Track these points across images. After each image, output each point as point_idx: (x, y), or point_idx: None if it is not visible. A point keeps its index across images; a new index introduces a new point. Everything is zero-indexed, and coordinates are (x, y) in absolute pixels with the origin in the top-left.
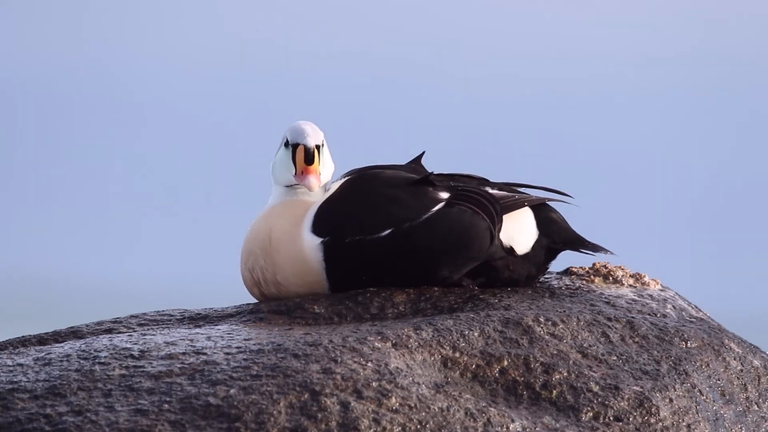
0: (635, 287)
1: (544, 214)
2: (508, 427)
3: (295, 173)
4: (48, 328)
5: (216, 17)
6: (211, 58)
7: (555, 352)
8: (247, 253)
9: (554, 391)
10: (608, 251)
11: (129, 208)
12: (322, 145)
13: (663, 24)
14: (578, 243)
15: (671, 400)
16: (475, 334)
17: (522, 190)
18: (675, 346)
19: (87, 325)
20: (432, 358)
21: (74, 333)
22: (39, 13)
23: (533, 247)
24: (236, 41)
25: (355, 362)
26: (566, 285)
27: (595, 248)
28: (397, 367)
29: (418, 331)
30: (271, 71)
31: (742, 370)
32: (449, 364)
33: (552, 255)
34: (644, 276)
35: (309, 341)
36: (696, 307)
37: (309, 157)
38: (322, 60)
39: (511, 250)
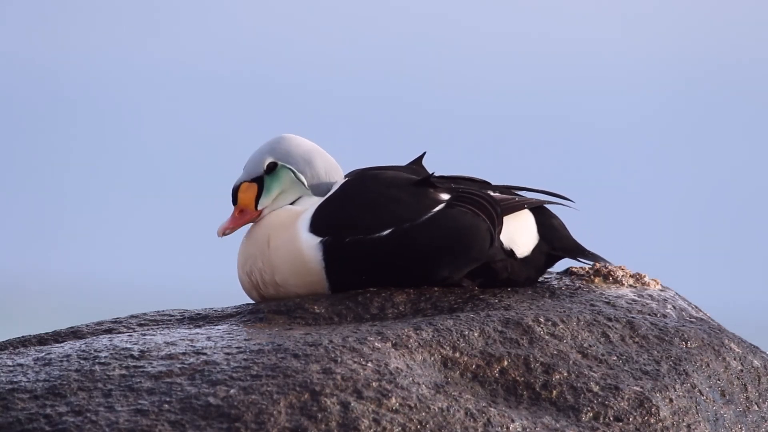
0: (635, 287)
1: (545, 220)
2: (508, 427)
3: None
4: (48, 328)
5: (215, 17)
6: (213, 59)
7: (555, 352)
8: (245, 256)
9: (554, 391)
10: (607, 262)
11: (129, 209)
12: (269, 171)
13: (671, 22)
14: (577, 252)
15: (671, 400)
16: (475, 334)
17: (523, 193)
18: (675, 346)
19: (87, 325)
20: (432, 358)
21: (74, 333)
22: (29, 13)
23: (533, 252)
24: (233, 41)
25: (355, 362)
26: (566, 285)
27: (594, 258)
28: (397, 367)
29: (418, 331)
30: (272, 72)
31: (742, 370)
32: (449, 364)
33: (551, 261)
34: (644, 276)
35: (309, 341)
36: (696, 307)
37: (232, 198)
38: (323, 62)
39: (511, 253)
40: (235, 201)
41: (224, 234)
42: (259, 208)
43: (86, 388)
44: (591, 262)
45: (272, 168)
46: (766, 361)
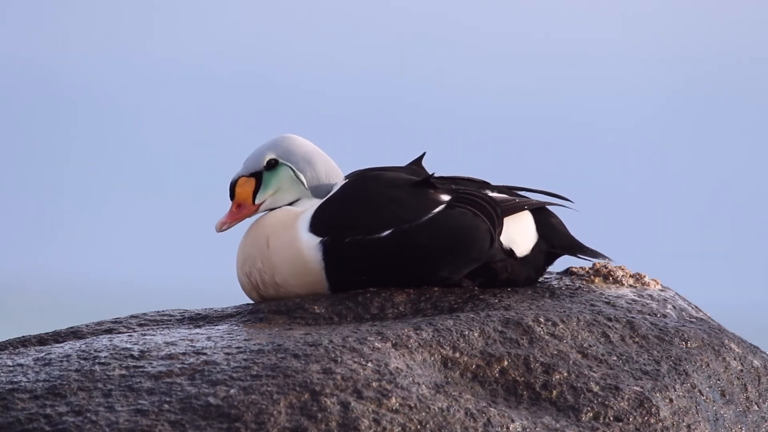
0: (635, 287)
1: (544, 219)
2: (508, 427)
3: None
4: (48, 328)
5: (215, 17)
6: (213, 59)
7: (555, 352)
8: (244, 257)
9: (554, 391)
10: (606, 257)
11: (129, 209)
12: (269, 167)
13: (671, 22)
14: (577, 249)
15: (671, 401)
16: (475, 334)
17: (522, 193)
18: (675, 346)
19: (87, 325)
20: (432, 358)
21: (74, 333)
22: (29, 14)
23: (533, 251)
24: (233, 41)
25: (355, 362)
26: (566, 285)
27: (594, 254)
28: (397, 367)
29: (418, 331)
30: (272, 72)
31: (742, 370)
32: (449, 364)
33: (551, 259)
34: (644, 276)
35: (309, 341)
36: (696, 307)
37: (229, 193)
38: (323, 62)
39: (511, 253)
40: (232, 196)
41: (222, 229)
42: (256, 202)
43: (86, 388)
44: (590, 259)
45: (272, 165)
46: (766, 361)
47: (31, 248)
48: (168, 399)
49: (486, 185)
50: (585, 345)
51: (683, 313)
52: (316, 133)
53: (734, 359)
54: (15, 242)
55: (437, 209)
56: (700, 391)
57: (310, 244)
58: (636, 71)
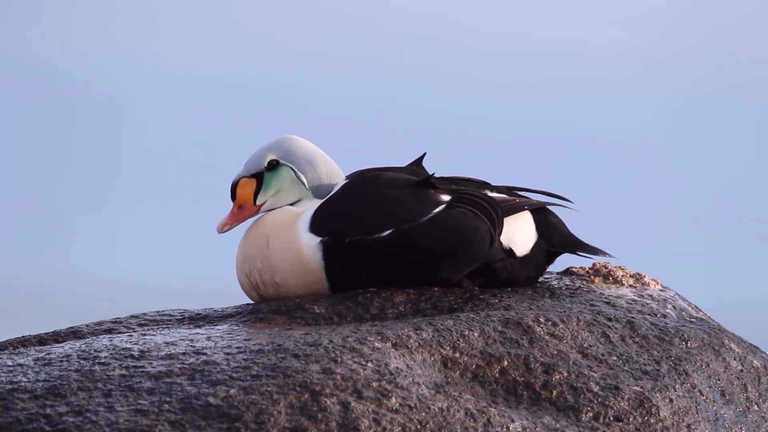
0: (635, 287)
1: (543, 218)
2: (508, 427)
3: None
4: (48, 328)
5: (215, 17)
6: (213, 59)
7: (555, 352)
8: (244, 257)
9: (554, 391)
10: (607, 254)
11: (129, 209)
12: (270, 168)
13: (671, 22)
14: (577, 246)
15: (671, 401)
16: (475, 334)
17: (522, 194)
18: (675, 346)
19: (87, 325)
20: (432, 358)
21: (74, 333)
22: (28, 14)
23: (532, 250)
24: (233, 41)
25: (355, 362)
26: (566, 285)
27: (594, 251)
28: (397, 367)
29: (418, 331)
30: (272, 72)
31: (742, 370)
32: (449, 364)
33: (551, 258)
34: (644, 276)
35: (309, 341)
36: (696, 307)
37: (231, 194)
38: (323, 62)
39: (510, 252)
40: (233, 197)
41: (223, 230)
42: (258, 202)
43: (86, 388)
44: (591, 256)
45: (273, 165)
46: (766, 361)
47: (31, 248)
48: (168, 399)
49: (486, 185)
50: (585, 345)
51: (683, 313)
52: (316, 134)
53: (734, 359)
54: (15, 242)
55: (437, 209)
56: (700, 391)
57: (310, 244)
58: (637, 71)
